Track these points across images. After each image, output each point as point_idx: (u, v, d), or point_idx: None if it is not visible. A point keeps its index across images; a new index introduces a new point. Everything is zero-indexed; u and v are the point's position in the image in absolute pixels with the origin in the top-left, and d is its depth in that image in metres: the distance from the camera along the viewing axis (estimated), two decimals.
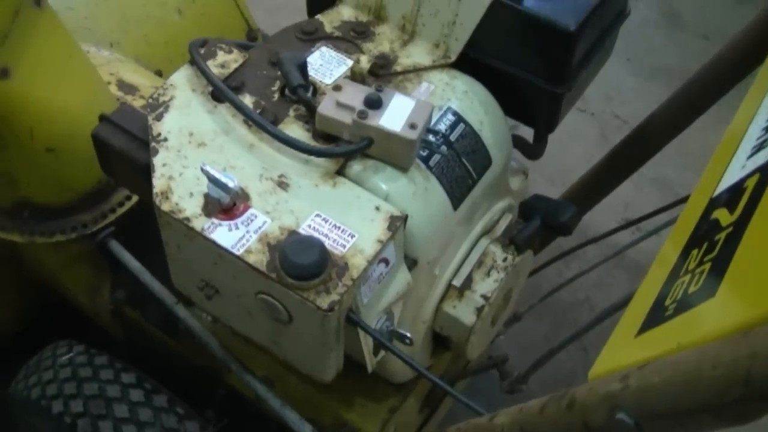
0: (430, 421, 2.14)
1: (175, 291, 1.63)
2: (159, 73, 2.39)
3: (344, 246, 1.34)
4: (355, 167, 1.47)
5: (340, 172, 1.47)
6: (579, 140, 3.69)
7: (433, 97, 1.61)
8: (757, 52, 1.75)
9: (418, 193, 1.49)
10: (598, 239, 2.22)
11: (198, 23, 2.52)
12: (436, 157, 1.53)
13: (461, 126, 1.60)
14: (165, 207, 1.38)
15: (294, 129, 1.51)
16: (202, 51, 1.61)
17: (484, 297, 1.63)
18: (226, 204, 1.36)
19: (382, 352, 1.50)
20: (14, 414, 2.07)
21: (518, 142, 1.87)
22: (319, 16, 1.75)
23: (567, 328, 2.96)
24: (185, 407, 1.85)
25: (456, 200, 1.57)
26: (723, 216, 1.03)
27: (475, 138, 1.62)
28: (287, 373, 1.84)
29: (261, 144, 1.48)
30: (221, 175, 1.34)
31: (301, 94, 1.51)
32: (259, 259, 1.31)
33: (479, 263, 1.66)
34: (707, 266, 0.96)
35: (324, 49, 1.66)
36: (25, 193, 1.93)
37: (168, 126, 1.50)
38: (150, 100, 1.54)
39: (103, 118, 1.57)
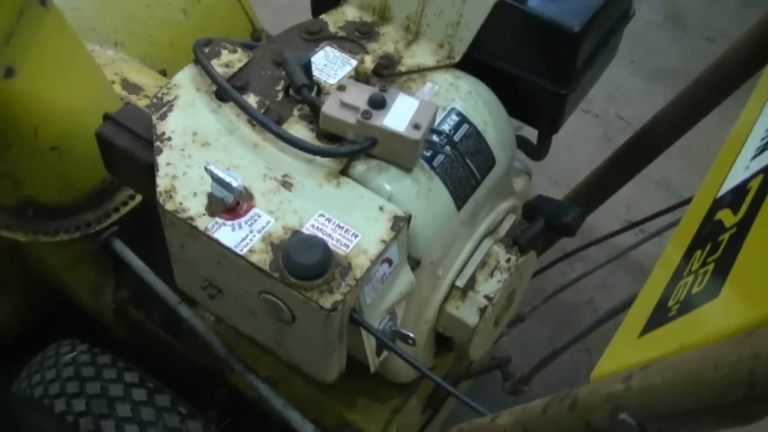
0: (433, 422, 2.14)
1: (179, 291, 1.63)
2: (163, 73, 2.39)
3: (347, 246, 1.34)
4: (359, 167, 1.47)
5: (344, 172, 1.47)
6: (583, 141, 3.69)
7: (437, 98, 1.61)
8: (761, 53, 1.75)
9: (421, 194, 1.49)
10: (601, 240, 2.22)
11: (202, 23, 2.53)
12: (439, 158, 1.53)
13: (465, 126, 1.60)
14: (169, 206, 1.38)
15: (298, 129, 1.51)
16: (207, 50, 1.61)
17: (488, 298, 1.62)
18: (230, 203, 1.36)
19: (385, 353, 1.50)
20: (17, 412, 2.07)
21: (522, 143, 1.87)
22: (323, 16, 1.75)
23: (570, 329, 2.96)
24: (188, 407, 1.85)
25: (459, 201, 1.57)
26: (726, 217, 1.03)
27: (479, 138, 1.62)
28: (290, 373, 1.84)
29: (265, 144, 1.48)
30: (225, 174, 1.34)
31: (306, 93, 1.52)
32: (262, 258, 1.31)
33: (482, 264, 1.66)
34: (710, 267, 0.95)
35: (328, 49, 1.66)
36: (29, 192, 1.93)
37: (172, 125, 1.50)
38: (154, 100, 1.54)
39: (107, 117, 1.57)
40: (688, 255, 1.07)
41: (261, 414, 1.91)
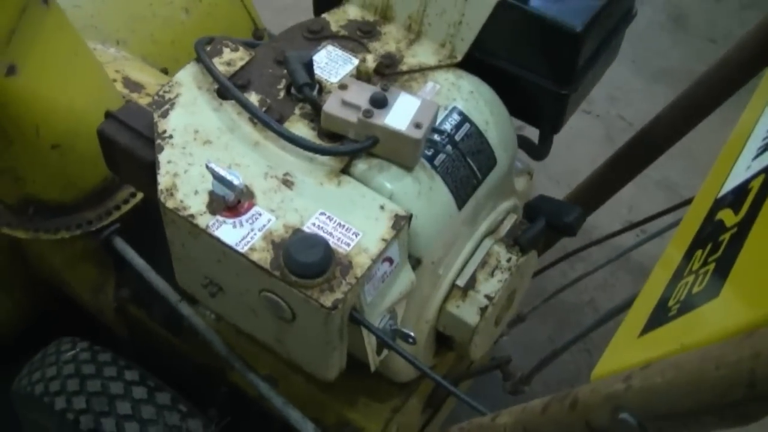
0: (433, 421, 2.14)
1: (179, 289, 1.63)
2: (165, 72, 2.39)
3: (348, 244, 1.34)
4: (360, 166, 1.47)
5: (345, 170, 1.47)
6: (584, 141, 3.69)
7: (439, 97, 1.61)
8: (762, 54, 1.75)
9: (422, 193, 1.49)
10: (602, 241, 2.22)
11: (204, 22, 2.53)
12: (441, 157, 1.53)
13: (466, 126, 1.60)
14: (170, 204, 1.38)
15: (299, 127, 1.51)
16: (208, 49, 1.61)
17: (488, 297, 1.62)
18: (231, 201, 1.36)
19: (386, 352, 1.50)
20: (18, 410, 2.07)
21: (523, 143, 1.87)
22: (325, 15, 1.75)
23: (571, 329, 2.96)
24: (188, 405, 1.85)
25: (460, 200, 1.57)
26: (728, 217, 1.03)
27: (481, 138, 1.62)
28: (290, 371, 1.84)
29: (266, 142, 1.48)
30: (226, 172, 1.34)
31: (307, 92, 1.52)
32: (263, 256, 1.31)
33: (483, 263, 1.66)
34: (711, 267, 0.96)
35: (330, 47, 1.66)
36: (30, 190, 1.93)
37: (173, 123, 1.50)
38: (156, 98, 1.54)
39: (108, 115, 1.57)
40: (689, 255, 1.07)
41: (261, 412, 1.91)
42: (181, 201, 1.38)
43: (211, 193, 1.38)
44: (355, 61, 1.64)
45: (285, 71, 1.58)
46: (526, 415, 1.07)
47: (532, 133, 1.84)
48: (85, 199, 1.99)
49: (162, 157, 1.44)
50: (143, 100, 2.06)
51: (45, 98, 1.80)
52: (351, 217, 1.38)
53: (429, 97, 1.59)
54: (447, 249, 1.59)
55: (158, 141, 1.47)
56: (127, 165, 1.57)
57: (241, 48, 1.63)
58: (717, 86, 1.88)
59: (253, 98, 1.54)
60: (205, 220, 1.35)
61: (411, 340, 1.43)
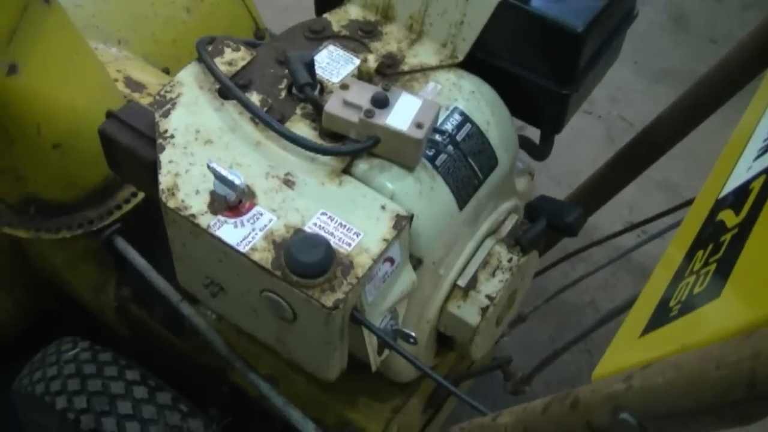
0: (434, 422, 2.14)
1: (180, 288, 1.63)
2: (166, 71, 2.39)
3: (350, 244, 1.34)
4: (362, 166, 1.47)
5: (347, 170, 1.47)
6: (585, 142, 3.69)
7: (440, 97, 1.61)
8: (763, 55, 1.75)
9: (424, 193, 1.49)
10: (603, 241, 2.22)
11: (206, 22, 2.53)
12: (442, 157, 1.53)
13: (468, 126, 1.60)
14: (171, 204, 1.38)
15: (301, 127, 1.51)
16: (210, 48, 1.61)
17: (489, 297, 1.62)
18: (232, 201, 1.36)
19: (387, 352, 1.51)
20: (18, 410, 2.07)
21: (525, 143, 1.87)
22: (326, 15, 1.75)
23: (571, 329, 2.96)
24: (189, 405, 1.85)
25: (462, 200, 1.57)
26: (729, 217, 1.03)
27: (482, 138, 1.62)
28: (291, 371, 1.84)
29: (267, 142, 1.48)
30: (228, 172, 1.34)
31: (308, 92, 1.52)
32: (264, 256, 1.31)
33: (484, 263, 1.66)
34: (712, 267, 0.96)
35: (331, 47, 1.66)
36: (31, 189, 1.94)
37: (175, 123, 1.50)
38: (157, 97, 1.54)
39: (110, 114, 1.57)
40: (690, 255, 1.07)
41: (262, 412, 1.91)
42: (183, 201, 1.38)
43: (213, 193, 1.38)
44: (357, 61, 1.64)
45: (286, 71, 1.58)
46: (526, 415, 1.07)
47: (534, 134, 1.84)
48: (86, 198, 1.99)
49: (163, 157, 1.44)
50: (145, 100, 2.06)
51: (46, 97, 1.80)
52: (352, 217, 1.38)
53: (430, 97, 1.59)
54: (448, 249, 1.59)
55: (159, 141, 1.47)
56: (128, 164, 1.57)
57: (242, 48, 1.63)
58: (718, 87, 1.88)
59: (255, 98, 1.54)
60: (206, 220, 1.35)
61: (412, 340, 1.43)
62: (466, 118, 1.60)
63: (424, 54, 1.69)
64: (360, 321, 1.35)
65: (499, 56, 1.68)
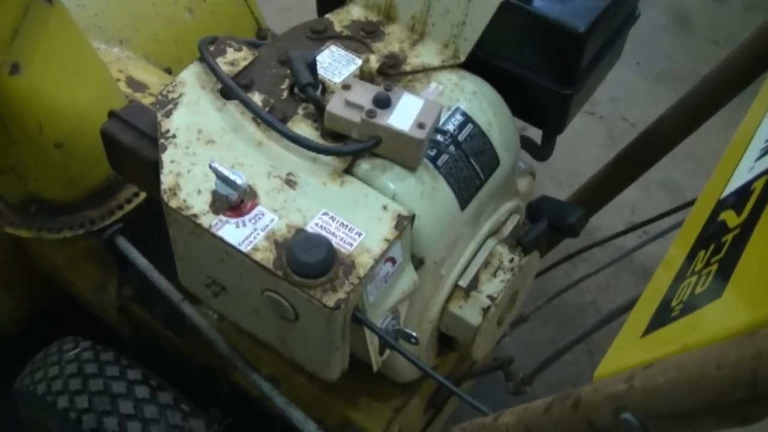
0: (435, 422, 2.14)
1: (182, 288, 1.63)
2: (168, 71, 2.39)
3: (351, 244, 1.34)
4: (363, 166, 1.47)
5: (348, 170, 1.47)
6: (587, 142, 3.69)
7: (442, 97, 1.61)
8: (765, 56, 1.75)
9: (425, 193, 1.49)
10: (604, 242, 2.22)
11: (208, 22, 2.53)
12: (444, 157, 1.53)
13: (469, 126, 1.60)
14: (173, 204, 1.38)
15: (302, 127, 1.51)
16: (212, 48, 1.61)
17: (491, 297, 1.63)
18: (234, 201, 1.36)
19: (388, 352, 1.51)
20: (20, 409, 2.07)
21: (526, 144, 1.87)
22: (328, 16, 1.75)
23: (573, 330, 2.96)
24: (190, 405, 1.85)
25: (463, 200, 1.57)
26: (730, 218, 1.03)
27: (483, 138, 1.62)
28: (293, 371, 1.84)
29: (269, 142, 1.49)
30: (229, 172, 1.34)
31: (310, 92, 1.52)
32: (266, 256, 1.32)
33: (486, 264, 1.66)
34: (714, 267, 0.96)
35: (333, 48, 1.66)
36: (33, 189, 1.94)
37: (177, 123, 1.50)
38: (159, 97, 1.54)
39: (112, 114, 1.57)
40: (692, 255, 1.07)
41: (263, 412, 1.91)
42: (184, 200, 1.38)
43: (215, 193, 1.38)
44: (359, 62, 1.64)
45: (288, 71, 1.58)
46: (528, 415, 1.07)
47: (535, 134, 1.84)
48: (88, 198, 2.00)
49: (165, 157, 1.44)
50: (146, 100, 2.06)
51: (48, 97, 1.80)
52: (354, 217, 1.38)
53: (432, 98, 1.59)
54: (450, 249, 1.59)
55: (161, 140, 1.47)
56: (130, 164, 1.57)
57: (244, 48, 1.63)
58: (719, 88, 1.88)
59: (257, 98, 1.54)
60: (208, 220, 1.36)
61: (413, 341, 1.43)
62: (467, 119, 1.60)
63: (426, 54, 1.69)
64: (361, 321, 1.35)
65: (501, 57, 1.68)
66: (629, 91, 3.98)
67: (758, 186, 1.01)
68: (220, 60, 1.59)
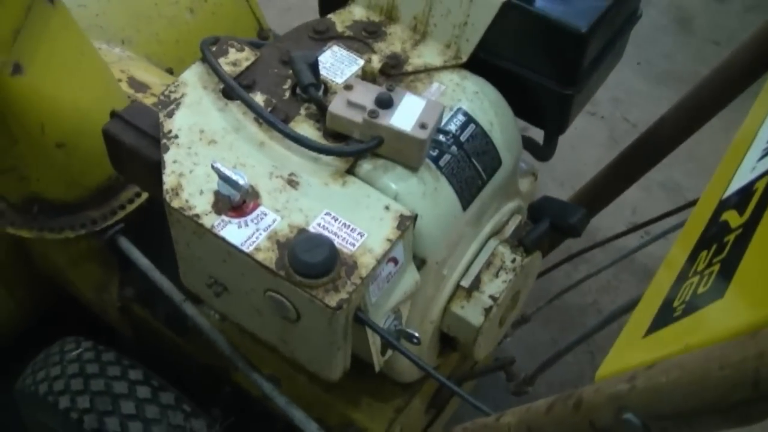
0: (437, 422, 2.14)
1: (184, 288, 1.63)
2: (170, 71, 2.40)
3: (353, 245, 1.34)
4: (365, 166, 1.47)
5: (350, 171, 1.47)
6: (588, 143, 3.69)
7: (444, 98, 1.61)
8: (766, 56, 1.75)
9: (427, 193, 1.49)
10: (606, 242, 2.22)
11: (209, 22, 2.53)
12: (446, 158, 1.54)
13: (471, 126, 1.60)
14: (175, 204, 1.38)
15: (305, 127, 1.51)
16: (214, 49, 1.61)
17: (492, 298, 1.63)
18: (236, 201, 1.36)
19: (390, 352, 1.51)
20: (21, 409, 2.08)
21: (528, 144, 1.87)
22: (330, 16, 1.75)
23: (574, 331, 2.95)
24: (192, 405, 1.85)
25: (465, 201, 1.57)
26: (732, 218, 1.03)
27: (485, 139, 1.62)
28: (294, 371, 1.84)
29: (271, 142, 1.49)
30: (232, 172, 1.34)
31: (312, 92, 1.52)
32: (268, 256, 1.32)
33: (488, 264, 1.66)
34: (716, 268, 0.96)
35: (335, 48, 1.66)
36: (35, 189, 1.94)
37: (179, 123, 1.50)
38: (161, 97, 1.55)
39: (114, 114, 1.58)
40: (694, 255, 1.07)
41: (265, 412, 1.91)
42: (187, 201, 1.38)
43: (217, 193, 1.38)
44: (361, 62, 1.64)
45: (290, 71, 1.58)
46: (530, 415, 1.07)
47: (537, 134, 1.84)
48: (89, 198, 2.00)
49: (167, 157, 1.45)
50: (148, 100, 2.06)
51: (50, 97, 1.80)
52: (356, 218, 1.38)
53: (434, 98, 1.59)
54: (451, 249, 1.59)
55: (164, 141, 1.47)
56: (132, 164, 1.57)
57: (246, 48, 1.63)
58: (721, 88, 1.88)
59: (259, 98, 1.54)
60: (210, 220, 1.36)
61: (415, 341, 1.43)
62: (469, 119, 1.60)
63: (428, 54, 1.69)
64: (363, 321, 1.35)
65: (502, 57, 1.68)
66: (630, 91, 3.99)
67: (761, 186, 1.01)
68: (222, 60, 1.59)
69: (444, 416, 2.17)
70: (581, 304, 3.12)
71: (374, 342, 1.43)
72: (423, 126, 1.42)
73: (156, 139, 1.49)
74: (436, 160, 1.52)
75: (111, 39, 2.34)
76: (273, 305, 1.36)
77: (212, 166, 1.36)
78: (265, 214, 1.37)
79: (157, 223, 1.52)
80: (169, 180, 1.41)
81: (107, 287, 2.16)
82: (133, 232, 1.99)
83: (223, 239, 1.34)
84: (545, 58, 1.64)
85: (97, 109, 1.75)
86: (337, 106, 1.45)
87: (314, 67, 1.54)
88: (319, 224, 1.37)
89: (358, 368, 1.50)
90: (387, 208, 1.40)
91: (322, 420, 1.71)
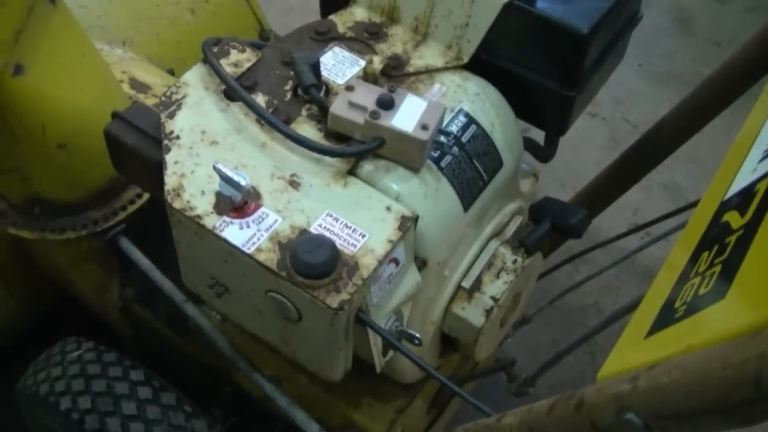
0: (438, 423, 2.14)
1: (185, 289, 1.63)
2: (171, 72, 2.40)
3: (355, 245, 1.34)
4: (367, 167, 1.47)
5: (352, 172, 1.47)
6: (589, 144, 3.69)
7: (445, 99, 1.61)
8: (767, 57, 1.75)
9: (429, 194, 1.49)
10: (607, 243, 2.22)
11: (210, 23, 2.53)
12: (447, 159, 1.54)
13: (473, 128, 1.60)
14: (176, 204, 1.38)
15: (306, 128, 1.51)
16: (215, 50, 1.61)
17: (494, 299, 1.63)
18: (238, 202, 1.36)
19: (391, 353, 1.51)
20: (22, 410, 2.08)
21: (529, 145, 1.87)
22: (332, 17, 1.75)
23: (575, 331, 2.95)
24: (193, 405, 1.85)
25: (466, 202, 1.57)
26: (734, 219, 1.03)
27: (487, 140, 1.62)
28: (295, 372, 1.84)
29: (273, 143, 1.49)
30: (233, 173, 1.34)
31: (314, 93, 1.52)
32: (269, 257, 1.32)
33: (489, 265, 1.66)
34: (717, 268, 0.96)
35: (337, 49, 1.66)
36: (36, 190, 1.94)
37: (180, 124, 1.50)
38: (163, 98, 1.55)
39: (115, 115, 1.58)
40: (695, 256, 1.07)
41: (266, 413, 1.91)
42: (188, 201, 1.38)
43: (218, 194, 1.38)
44: (362, 63, 1.64)
45: (292, 72, 1.59)
46: (531, 416, 1.07)
47: (538, 135, 1.84)
48: (91, 198, 2.00)
49: (169, 158, 1.45)
50: (150, 101, 2.07)
51: (52, 98, 1.80)
52: (357, 218, 1.38)
53: (435, 99, 1.59)
54: (453, 250, 1.59)
55: (165, 141, 1.47)
56: (133, 165, 1.57)
57: (248, 49, 1.63)
58: (722, 89, 1.88)
59: (260, 99, 1.54)
60: (211, 221, 1.36)
61: (416, 342, 1.43)
62: (471, 120, 1.60)
63: (429, 55, 1.69)
64: (365, 322, 1.35)
65: (504, 58, 1.68)
66: (631, 92, 3.99)
67: (762, 187, 1.01)
68: (223, 61, 1.59)
69: (445, 417, 2.17)
70: (582, 304, 3.12)
71: (375, 343, 1.44)
72: (424, 127, 1.42)
73: (157, 140, 1.49)
74: (437, 161, 1.52)
75: (112, 40, 2.34)
76: (274, 306, 1.36)
77: (214, 167, 1.36)
78: (267, 215, 1.37)
79: (159, 223, 1.52)
80: (170, 181, 1.41)
81: (108, 288, 2.16)
82: (134, 232, 1.99)
83: (224, 240, 1.34)
84: (546, 59, 1.64)
85: (99, 110, 1.75)
86: (338, 107, 1.45)
87: (316, 68, 1.54)
88: (320, 225, 1.37)
89: (360, 369, 1.50)
90: (388, 209, 1.41)
91: (323, 420, 1.71)
